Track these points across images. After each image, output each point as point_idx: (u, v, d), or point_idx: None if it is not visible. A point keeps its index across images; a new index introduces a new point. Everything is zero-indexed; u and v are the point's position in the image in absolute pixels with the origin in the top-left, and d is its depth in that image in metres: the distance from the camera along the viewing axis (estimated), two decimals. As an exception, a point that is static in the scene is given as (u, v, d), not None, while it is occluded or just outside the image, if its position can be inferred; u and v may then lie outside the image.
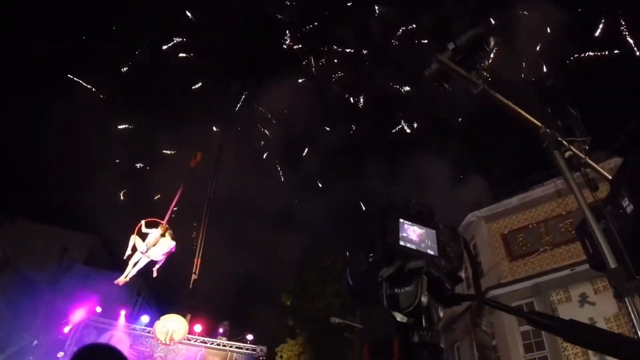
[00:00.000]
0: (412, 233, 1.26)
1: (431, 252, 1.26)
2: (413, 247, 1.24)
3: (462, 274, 1.26)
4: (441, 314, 1.19)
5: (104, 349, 2.21)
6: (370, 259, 1.22)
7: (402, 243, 1.22)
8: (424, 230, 1.29)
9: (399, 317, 1.09)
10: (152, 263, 13.35)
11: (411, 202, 1.34)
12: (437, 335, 1.11)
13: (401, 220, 1.26)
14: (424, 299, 1.10)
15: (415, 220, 1.29)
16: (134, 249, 12.94)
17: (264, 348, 14.47)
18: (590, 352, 13.06)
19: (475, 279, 1.37)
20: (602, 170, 2.48)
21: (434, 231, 1.30)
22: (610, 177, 2.39)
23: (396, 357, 0.99)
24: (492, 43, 2.40)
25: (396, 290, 1.13)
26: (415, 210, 1.33)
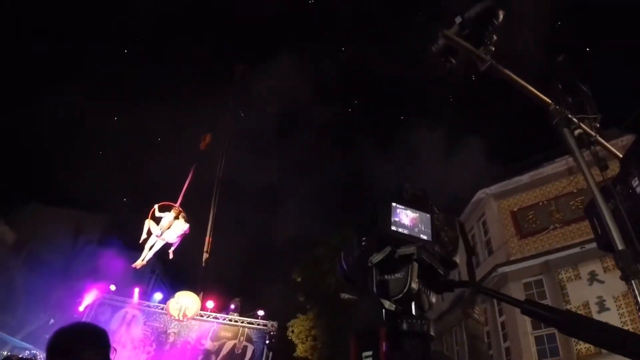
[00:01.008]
0: (405, 217, 1.22)
1: (424, 237, 1.22)
2: (405, 231, 1.20)
3: (457, 259, 1.23)
4: (433, 300, 1.17)
5: (83, 326, 2.16)
6: (363, 245, 1.20)
7: (393, 228, 1.19)
8: (417, 214, 1.25)
9: (387, 304, 1.06)
10: (167, 245, 13.73)
11: (405, 186, 1.30)
12: (427, 323, 1.08)
13: (394, 204, 1.22)
14: (414, 286, 1.07)
15: (409, 204, 1.25)
16: (149, 233, 13.29)
17: (275, 323, 14.66)
18: None
19: (469, 265, 1.33)
20: (612, 149, 2.41)
21: (428, 215, 1.27)
22: (621, 156, 2.33)
23: (383, 347, 0.97)
24: (501, 17, 2.32)
25: (386, 276, 1.11)
26: (409, 194, 1.29)
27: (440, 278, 1.17)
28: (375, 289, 1.09)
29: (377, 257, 1.13)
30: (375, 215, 1.20)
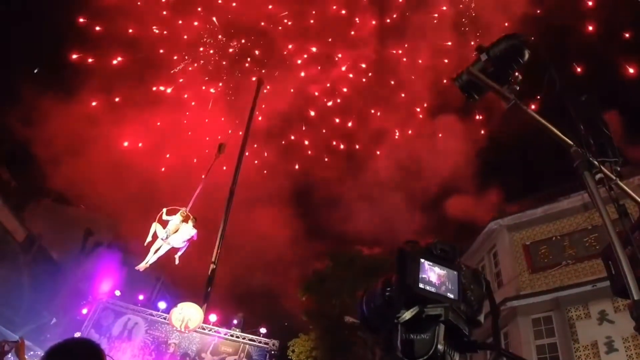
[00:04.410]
0: (433, 274, 1.21)
1: (451, 296, 1.20)
2: (432, 289, 1.19)
3: (482, 318, 1.20)
4: (456, 359, 1.15)
5: (79, 345, 2.14)
6: (387, 295, 1.18)
7: (421, 285, 1.17)
8: (445, 272, 1.23)
9: None
10: (174, 250, 13.64)
11: (434, 241, 1.29)
12: None
13: (422, 260, 1.21)
14: (440, 347, 1.07)
15: (437, 260, 1.24)
16: (155, 236, 13.22)
17: (277, 342, 14.53)
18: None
19: (495, 327, 1.31)
20: (633, 194, 2.38)
21: (455, 272, 1.25)
22: None
23: None
24: (527, 55, 2.32)
25: (412, 335, 1.10)
26: (438, 249, 1.27)
27: (464, 338, 1.15)
28: (400, 347, 1.08)
29: (404, 316, 1.12)
30: (404, 268, 1.19)
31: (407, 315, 1.11)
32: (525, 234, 16.56)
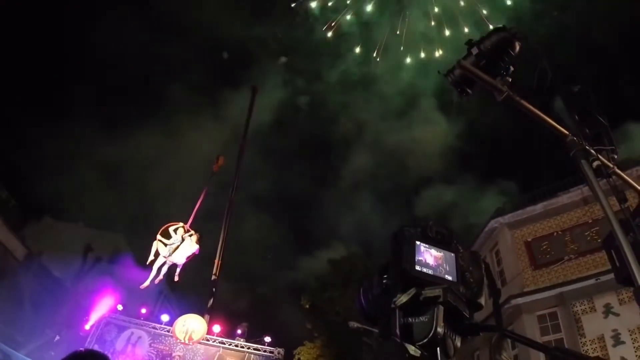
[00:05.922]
0: (429, 257, 1.17)
1: (449, 278, 1.16)
2: (430, 272, 1.15)
3: (482, 301, 1.17)
4: (458, 344, 1.12)
5: (91, 355, 2.16)
6: (384, 282, 1.15)
7: (417, 268, 1.14)
8: (442, 254, 1.20)
9: (412, 349, 1.00)
10: (175, 265, 13.68)
11: (430, 223, 1.24)
12: None
13: (418, 242, 1.17)
14: (440, 330, 1.03)
15: (434, 242, 1.20)
16: (157, 254, 13.27)
17: (282, 350, 14.42)
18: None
19: (496, 309, 1.27)
20: (632, 181, 2.37)
21: (453, 254, 1.21)
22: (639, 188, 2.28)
23: None
24: (518, 48, 2.32)
25: (410, 319, 1.06)
26: (434, 231, 1.23)
27: (465, 321, 1.11)
28: (398, 332, 1.04)
29: (401, 299, 1.07)
30: (399, 252, 1.15)
31: (404, 298, 1.06)
32: (526, 231, 16.52)
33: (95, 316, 13.80)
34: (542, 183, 17.99)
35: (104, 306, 14.10)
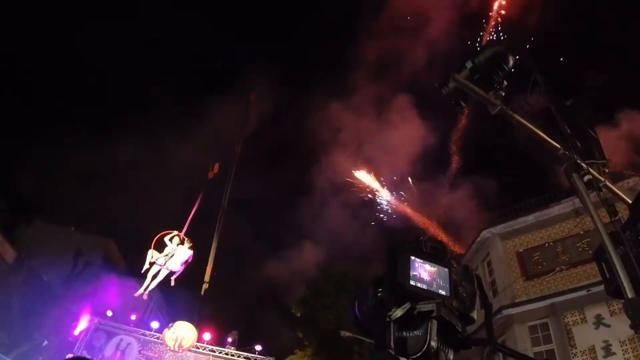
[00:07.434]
0: (424, 272, 1.20)
1: (443, 292, 1.19)
2: (424, 287, 1.17)
3: (475, 315, 1.19)
4: (451, 357, 1.14)
5: None
6: (379, 295, 1.17)
7: (412, 283, 1.16)
8: (436, 269, 1.22)
9: None
10: (171, 273, 13.62)
11: (423, 238, 1.28)
12: None
13: (412, 257, 1.20)
14: (434, 344, 1.06)
15: (428, 257, 1.23)
16: (152, 263, 13.22)
17: (272, 359, 14.36)
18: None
19: (488, 322, 1.30)
20: (622, 194, 2.40)
21: (446, 269, 1.24)
22: (630, 201, 2.31)
23: None
24: (511, 62, 2.35)
25: (404, 333, 1.09)
26: (428, 246, 1.27)
27: (458, 335, 1.14)
28: (392, 345, 1.07)
29: (396, 313, 1.10)
30: (394, 266, 1.17)
31: (399, 312, 1.09)
32: (518, 242, 16.60)
33: (84, 322, 13.66)
34: (533, 194, 18.08)
35: (93, 312, 13.96)
